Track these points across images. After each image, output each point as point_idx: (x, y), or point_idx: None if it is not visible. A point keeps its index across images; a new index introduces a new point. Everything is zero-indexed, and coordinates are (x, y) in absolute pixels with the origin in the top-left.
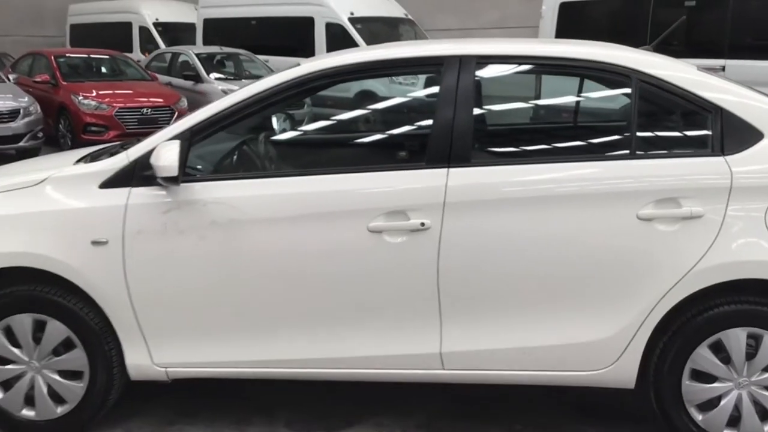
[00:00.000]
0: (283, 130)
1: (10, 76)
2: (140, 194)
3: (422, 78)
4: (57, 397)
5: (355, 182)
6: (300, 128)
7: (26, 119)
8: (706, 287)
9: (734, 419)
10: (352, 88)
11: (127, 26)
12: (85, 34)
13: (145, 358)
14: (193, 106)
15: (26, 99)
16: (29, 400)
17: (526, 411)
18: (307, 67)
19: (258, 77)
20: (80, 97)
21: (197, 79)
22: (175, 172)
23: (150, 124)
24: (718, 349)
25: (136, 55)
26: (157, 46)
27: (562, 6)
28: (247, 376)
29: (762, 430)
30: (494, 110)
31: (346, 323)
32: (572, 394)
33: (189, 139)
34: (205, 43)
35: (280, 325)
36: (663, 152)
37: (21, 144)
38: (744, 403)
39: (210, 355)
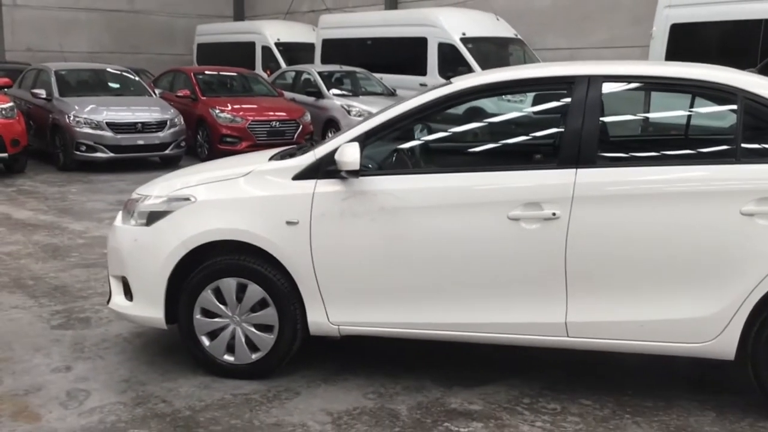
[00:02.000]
0: (431, 136)
1: (156, 91)
2: (324, 185)
3: (530, 96)
4: (252, 346)
5: (498, 178)
6: (448, 133)
7: (172, 130)
8: None
9: None
10: (476, 104)
11: (251, 46)
12: (211, 53)
13: (322, 317)
14: (315, 120)
15: (172, 111)
16: (230, 348)
17: (637, 380)
18: (459, 84)
19: (374, 94)
20: (217, 111)
21: (318, 95)
22: (357, 167)
23: (278, 136)
24: None
25: (259, 72)
26: (277, 65)
27: (674, 27)
28: (402, 336)
29: None
30: (617, 121)
31: (487, 294)
32: (679, 367)
33: (363, 141)
34: (323, 61)
35: (431, 294)
36: (763, 159)
37: (166, 152)
38: None
39: (374, 317)
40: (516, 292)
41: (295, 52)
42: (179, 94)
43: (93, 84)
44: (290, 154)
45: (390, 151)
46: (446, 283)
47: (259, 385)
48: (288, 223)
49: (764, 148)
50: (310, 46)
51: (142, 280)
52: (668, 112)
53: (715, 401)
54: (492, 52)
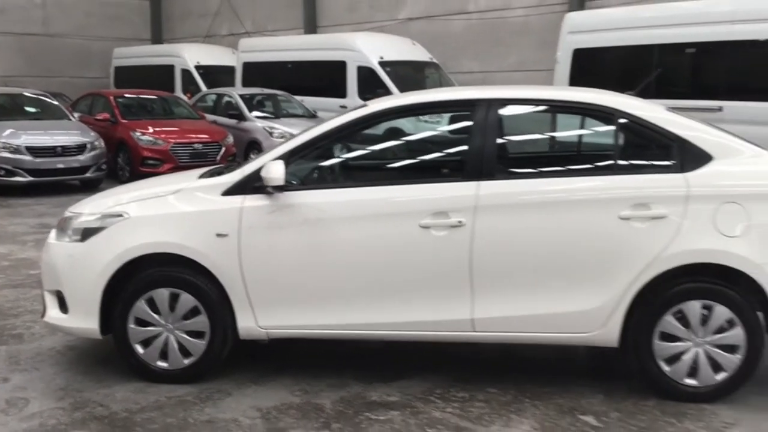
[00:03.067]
0: (350, 154)
1: (75, 114)
2: (252, 200)
3: (446, 117)
4: (185, 352)
5: (409, 191)
6: (366, 151)
7: (92, 153)
8: (670, 269)
9: (693, 370)
10: (391, 124)
11: (170, 69)
12: (129, 76)
13: (251, 322)
14: (237, 142)
15: (92, 134)
16: (163, 354)
17: (537, 371)
18: (374, 106)
19: (295, 116)
20: (138, 134)
21: (240, 117)
22: (281, 183)
23: (200, 158)
24: (681, 316)
25: (179, 95)
26: (197, 87)
27: (576, 52)
28: (325, 336)
29: (714, 379)
30: (513, 139)
31: (403, 295)
32: (573, 359)
33: (287, 159)
34: (244, 84)
35: (352, 297)
36: (638, 170)
37: (87, 175)
38: (700, 358)
39: (299, 320)
40: (428, 292)
41: (215, 75)
42: (98, 117)
43: (10, 108)
44: (219, 173)
45: (312, 167)
46: (365, 286)
47: (192, 387)
48: (218, 235)
49: (638, 160)
50: (230, 69)
51: (78, 293)
52: (560, 131)
53: (605, 385)
54: (409, 75)
